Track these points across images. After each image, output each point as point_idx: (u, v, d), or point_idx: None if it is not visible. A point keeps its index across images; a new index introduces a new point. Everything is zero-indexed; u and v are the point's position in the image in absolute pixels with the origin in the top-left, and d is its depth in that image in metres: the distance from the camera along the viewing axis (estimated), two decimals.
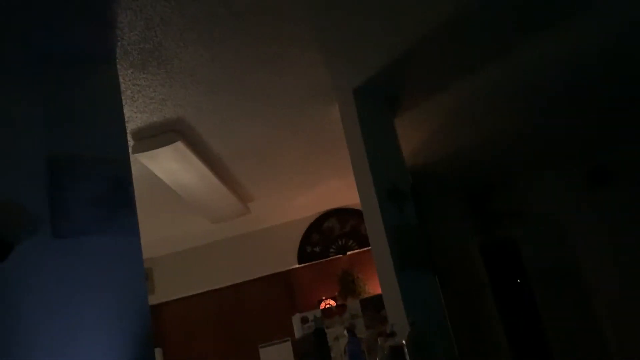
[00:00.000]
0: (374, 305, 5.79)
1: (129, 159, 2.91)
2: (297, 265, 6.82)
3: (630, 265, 6.07)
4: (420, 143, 5.23)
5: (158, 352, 6.44)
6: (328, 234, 6.83)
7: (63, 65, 2.85)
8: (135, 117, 3.73)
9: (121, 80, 3.21)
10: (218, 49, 3.24)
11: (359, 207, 4.36)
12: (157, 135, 4.03)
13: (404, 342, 3.21)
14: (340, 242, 6.77)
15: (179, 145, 4.10)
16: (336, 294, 6.43)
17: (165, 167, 4.37)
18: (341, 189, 6.03)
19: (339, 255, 6.73)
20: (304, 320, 5.94)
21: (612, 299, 6.08)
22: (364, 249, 6.53)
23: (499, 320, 6.32)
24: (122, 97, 3.19)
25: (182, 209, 5.58)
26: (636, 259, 6.06)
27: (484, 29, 3.65)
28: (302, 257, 6.82)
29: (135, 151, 4.02)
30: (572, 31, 3.91)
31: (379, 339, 3.36)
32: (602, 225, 6.26)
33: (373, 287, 6.19)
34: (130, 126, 3.80)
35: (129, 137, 3.90)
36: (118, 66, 3.13)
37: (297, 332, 5.92)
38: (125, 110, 3.42)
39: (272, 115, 4.19)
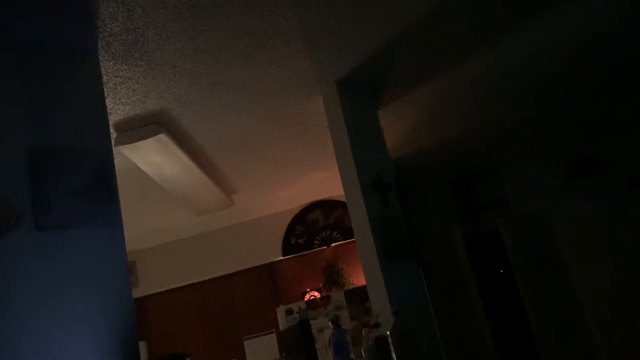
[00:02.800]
0: (359, 296, 5.81)
1: (111, 151, 2.89)
2: (281, 257, 6.83)
3: (613, 254, 6.13)
4: (404, 134, 5.24)
5: (142, 345, 6.43)
6: (312, 226, 6.84)
7: (44, 56, 2.83)
8: (117, 109, 3.71)
9: (103, 72, 3.19)
10: (201, 40, 3.22)
11: (343, 199, 4.37)
12: (140, 128, 4.00)
13: (388, 332, 3.22)
14: (324, 234, 6.78)
15: (162, 137, 4.07)
16: (321, 285, 6.44)
17: (149, 159, 4.35)
18: (325, 181, 6.03)
19: (323, 247, 6.74)
20: (289, 312, 5.95)
21: (596, 288, 6.14)
22: (348, 241, 6.55)
23: (483, 311, 6.36)
24: (104, 89, 3.17)
25: (165, 202, 5.56)
26: (619, 248, 6.12)
27: (467, 20, 3.65)
28: (286, 249, 6.83)
29: (118, 143, 3.99)
30: (555, 23, 3.93)
31: (363, 330, 3.37)
32: (585, 215, 6.32)
33: (357, 279, 6.21)
34: (112, 118, 3.77)
35: (112, 130, 3.88)
36: (100, 58, 3.10)
37: (282, 324, 5.92)
38: (107, 102, 3.39)
39: (255, 107, 4.18)
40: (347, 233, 6.52)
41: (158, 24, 2.97)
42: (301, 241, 6.84)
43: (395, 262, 3.69)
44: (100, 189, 2.71)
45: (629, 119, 5.99)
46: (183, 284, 6.94)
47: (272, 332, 6.45)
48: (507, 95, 4.99)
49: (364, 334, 3.33)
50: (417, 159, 5.90)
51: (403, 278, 3.68)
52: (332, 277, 6.39)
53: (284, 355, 5.01)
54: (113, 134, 3.94)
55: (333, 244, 6.72)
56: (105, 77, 3.26)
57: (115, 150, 3.56)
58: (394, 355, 3.20)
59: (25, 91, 2.71)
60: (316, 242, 6.79)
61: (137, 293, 6.54)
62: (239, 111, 4.19)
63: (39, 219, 2.49)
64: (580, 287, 6.24)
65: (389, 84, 4.27)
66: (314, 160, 5.43)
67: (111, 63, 3.21)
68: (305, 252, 6.79)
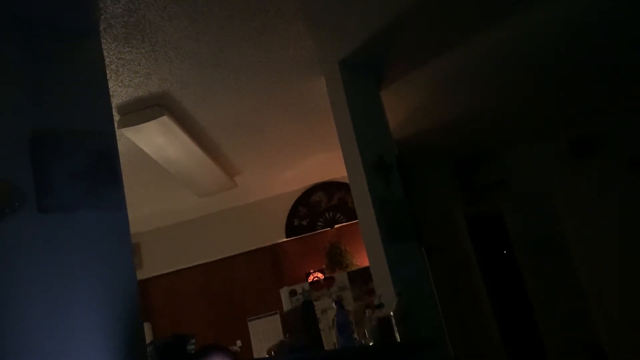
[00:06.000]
0: (362, 277, 5.82)
1: (114, 132, 2.89)
2: (284, 239, 6.84)
3: (616, 235, 6.13)
4: (406, 115, 5.23)
5: (147, 327, 6.46)
6: (315, 207, 6.84)
7: (46, 38, 2.82)
8: (120, 91, 3.71)
9: (105, 54, 3.18)
10: (203, 22, 3.21)
11: (346, 180, 4.36)
12: (142, 110, 4.00)
13: (391, 313, 3.24)
14: (327, 215, 6.79)
15: (165, 119, 4.07)
16: (324, 266, 6.45)
17: (151, 141, 4.35)
18: (328, 162, 6.02)
19: (326, 229, 6.74)
20: (292, 293, 5.97)
21: (599, 270, 6.13)
22: (351, 222, 6.55)
23: (485, 292, 6.37)
24: (107, 71, 3.16)
25: (169, 184, 5.57)
26: (621, 229, 6.11)
27: (470, 1, 3.63)
28: (289, 230, 6.84)
29: (121, 126, 3.99)
30: (557, 3, 3.91)
31: (366, 311, 3.39)
32: (588, 196, 6.30)
33: (361, 260, 6.22)
34: (115, 101, 3.77)
35: (114, 112, 3.87)
36: (102, 40, 3.09)
37: (286, 305, 5.95)
38: (110, 85, 3.39)
39: (258, 88, 4.17)
40: (350, 214, 6.51)
41: (159, 5, 2.96)
42: (304, 223, 6.84)
43: (397, 243, 3.70)
44: (103, 171, 2.71)
45: (632, 99, 5.96)
46: (187, 266, 6.96)
47: (276, 313, 6.48)
48: (509, 76, 4.96)
49: (367, 314, 3.35)
50: (419, 140, 5.89)
51: (406, 259, 3.69)
52: (335, 259, 6.40)
53: (287, 335, 5.04)
54: (116, 117, 3.93)
55: (336, 226, 6.73)
56: (107, 59, 3.25)
57: (117, 132, 3.56)
58: (397, 336, 3.22)
59: (27, 73, 2.71)
60: (319, 223, 6.79)
61: (141, 275, 6.54)
62: (241, 93, 4.18)
63: (42, 201, 2.50)
64: (583, 268, 6.23)
65: (391, 64, 4.25)
66: (316, 141, 5.43)
67: (113, 45, 3.20)
68: (309, 233, 6.80)
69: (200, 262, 6.94)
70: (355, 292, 5.83)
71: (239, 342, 6.43)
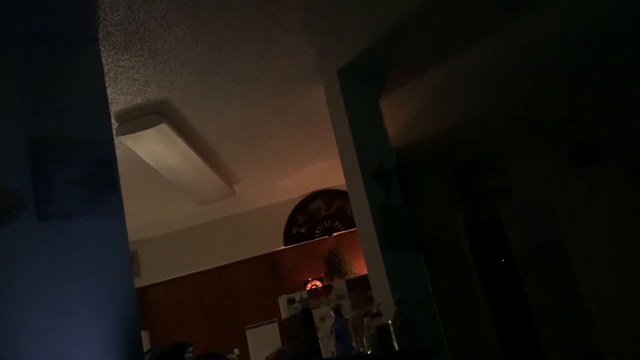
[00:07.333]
0: (360, 285, 5.81)
1: (113, 140, 2.89)
2: (283, 247, 6.83)
3: (616, 242, 6.12)
4: (405, 123, 5.23)
5: (144, 335, 6.44)
6: (314, 215, 6.83)
7: (45, 46, 2.82)
8: (118, 99, 3.71)
9: (104, 61, 3.18)
10: (202, 29, 3.21)
11: (344, 188, 4.36)
12: (141, 117, 4.00)
13: (390, 321, 3.23)
14: (326, 223, 6.78)
15: (164, 127, 4.07)
16: (322, 274, 6.45)
17: (150, 149, 4.35)
18: (327, 170, 6.03)
19: (325, 237, 6.74)
20: (291, 301, 5.95)
21: (598, 277, 6.13)
22: (350, 230, 6.55)
23: (485, 300, 6.36)
24: (105, 79, 3.16)
25: (167, 191, 5.56)
26: (621, 236, 6.11)
27: (470, 6, 3.64)
28: (288, 238, 6.83)
29: (119, 133, 3.99)
30: (556, 10, 3.92)
31: (365, 319, 3.37)
32: (588, 203, 6.30)
33: (359, 268, 6.21)
34: (113, 108, 3.77)
35: (113, 120, 3.87)
36: (101, 47, 3.10)
37: (284, 313, 5.93)
38: (108, 92, 3.39)
39: (257, 96, 4.17)
40: (349, 222, 6.51)
41: (159, 13, 2.97)
42: (303, 231, 6.84)
43: (396, 251, 3.69)
44: (102, 178, 2.71)
45: (632, 106, 5.97)
46: (185, 274, 6.94)
47: (274, 321, 6.46)
48: (509, 84, 4.97)
49: (365, 322, 3.34)
50: (419, 147, 5.89)
51: (404, 267, 3.68)
52: (333, 267, 6.39)
53: (286, 344, 5.01)
54: (114, 124, 3.94)
55: (334, 234, 6.72)
56: (106, 67, 3.26)
57: (116, 140, 3.56)
58: (395, 344, 3.21)
59: (26, 80, 2.71)
60: (318, 231, 6.79)
61: (139, 283, 6.55)
62: (240, 100, 4.18)
63: (41, 208, 2.50)
64: (583, 275, 6.22)
65: (390, 72, 4.26)
66: (315, 149, 5.43)
67: (112, 53, 3.21)
68: (307, 241, 6.79)
69: (198, 270, 6.93)
70: (353, 300, 5.82)
71: (236, 351, 6.40)
